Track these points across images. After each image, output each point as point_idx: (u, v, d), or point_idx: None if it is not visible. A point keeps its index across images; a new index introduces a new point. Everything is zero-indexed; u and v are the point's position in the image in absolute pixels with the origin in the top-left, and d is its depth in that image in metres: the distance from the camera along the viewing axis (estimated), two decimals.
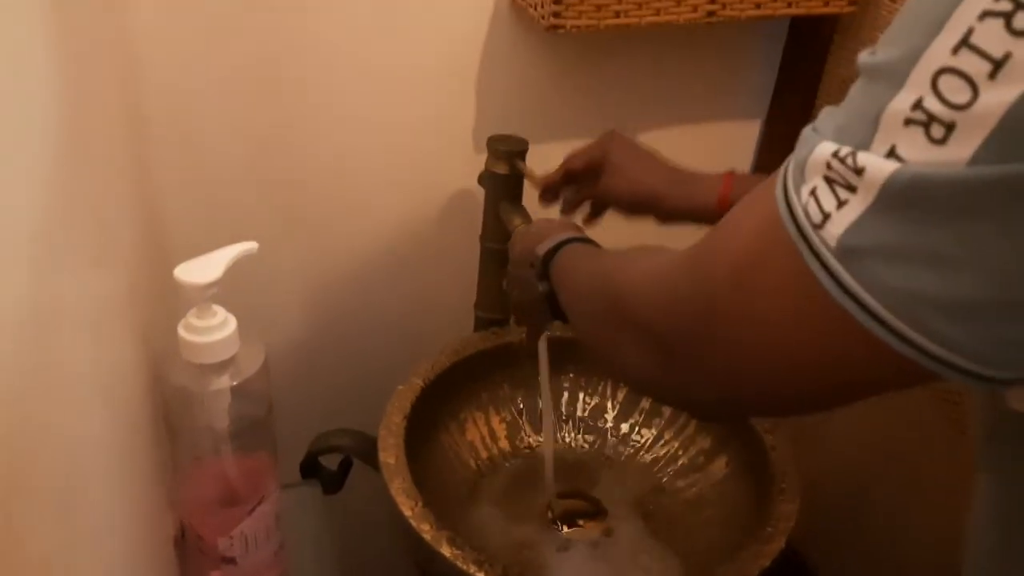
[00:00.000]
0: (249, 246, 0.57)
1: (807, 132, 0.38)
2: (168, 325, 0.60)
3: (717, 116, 1.10)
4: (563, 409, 0.98)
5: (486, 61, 0.96)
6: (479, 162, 0.94)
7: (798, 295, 0.36)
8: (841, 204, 0.33)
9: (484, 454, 0.94)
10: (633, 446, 0.96)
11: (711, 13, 0.88)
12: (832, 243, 0.34)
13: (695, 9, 0.88)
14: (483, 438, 0.94)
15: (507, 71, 0.97)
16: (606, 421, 0.98)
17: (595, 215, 0.90)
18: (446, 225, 1.05)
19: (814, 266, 0.34)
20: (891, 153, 0.32)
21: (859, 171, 0.33)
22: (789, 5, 0.91)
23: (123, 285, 0.58)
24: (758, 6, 0.90)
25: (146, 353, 0.61)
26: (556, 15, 0.84)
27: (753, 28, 1.04)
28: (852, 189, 0.33)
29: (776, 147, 1.12)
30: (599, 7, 0.85)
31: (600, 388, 0.98)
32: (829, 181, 0.34)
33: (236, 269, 0.59)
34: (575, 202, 0.89)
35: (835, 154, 0.34)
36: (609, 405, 0.98)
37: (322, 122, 0.93)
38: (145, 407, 0.60)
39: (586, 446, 0.97)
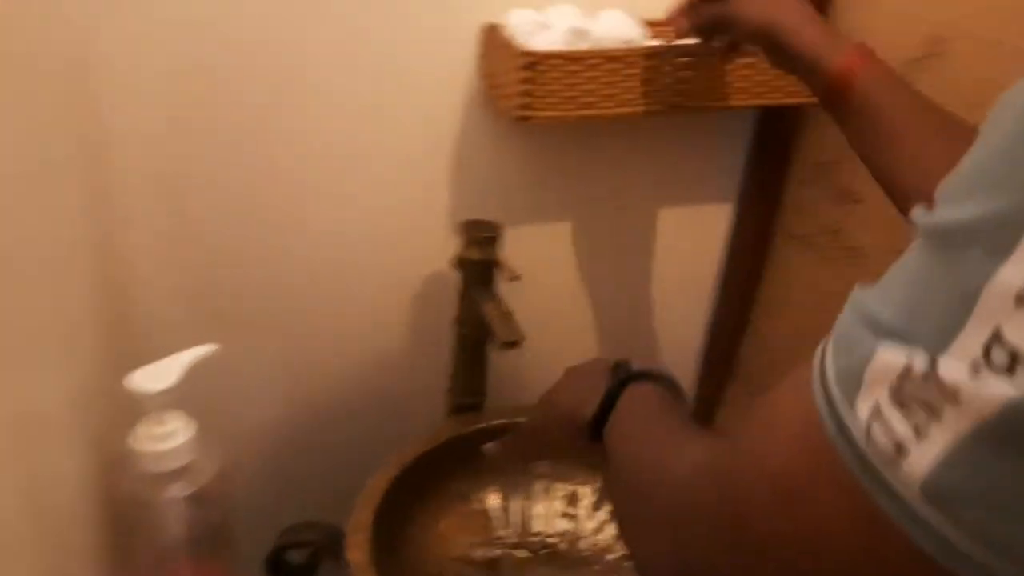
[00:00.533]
0: (207, 349, 0.57)
1: (850, 320, 0.31)
2: (129, 427, 0.59)
3: (688, 199, 1.11)
4: (537, 497, 0.97)
5: (459, 147, 0.97)
6: (453, 245, 0.94)
7: (858, 525, 0.28)
8: (922, 431, 0.26)
9: (457, 549, 0.92)
10: (609, 535, 0.94)
11: (676, 106, 0.90)
12: (914, 484, 0.26)
13: (660, 102, 0.89)
14: (456, 531, 0.92)
15: (480, 157, 0.98)
16: (580, 510, 0.96)
17: (728, 47, 0.85)
18: (420, 309, 1.04)
19: (884, 503, 0.27)
20: (995, 340, 0.24)
21: (948, 391, 0.25)
22: (754, 96, 0.92)
23: (73, 391, 0.57)
24: (723, 98, 0.91)
25: (97, 459, 0.60)
26: (525, 107, 0.85)
27: (721, 114, 1.06)
28: (936, 413, 0.26)
29: (748, 228, 1.13)
30: (567, 99, 0.86)
31: (576, 477, 0.97)
32: (899, 399, 0.27)
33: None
34: (701, 20, 0.81)
35: (907, 367, 0.27)
36: (584, 492, 0.97)
37: (295, 206, 0.93)
38: (86, 517, 0.59)
39: (560, 536, 0.95)
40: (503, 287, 0.92)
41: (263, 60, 0.84)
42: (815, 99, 0.95)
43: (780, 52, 0.74)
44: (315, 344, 1.01)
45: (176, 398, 0.56)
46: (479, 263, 0.92)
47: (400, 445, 0.90)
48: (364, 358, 1.04)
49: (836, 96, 0.70)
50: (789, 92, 0.92)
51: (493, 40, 0.89)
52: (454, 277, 0.95)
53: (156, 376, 0.54)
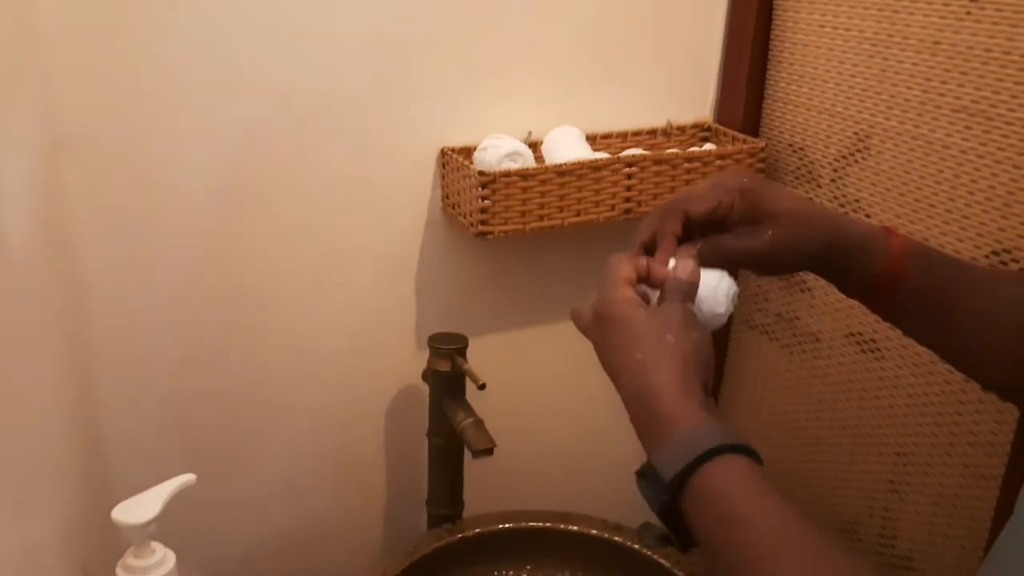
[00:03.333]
0: (187, 479, 0.58)
1: None
2: (114, 559, 0.60)
3: None
4: None
5: (423, 265, 1.01)
6: (422, 358, 0.97)
7: None
8: None
9: None
10: None
11: (628, 211, 0.95)
12: None
13: (612, 208, 0.94)
14: None
15: (443, 271, 1.02)
16: None
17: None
18: (393, 422, 1.06)
19: None
20: None
21: None
22: None
23: (56, 526, 0.58)
24: None
25: None
26: (483, 223, 0.90)
27: None
28: None
29: None
30: (523, 213, 0.91)
31: None
32: None
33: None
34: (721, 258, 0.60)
35: None
36: None
37: (268, 329, 0.96)
38: None
39: None
40: (473, 396, 0.94)
41: (233, 186, 0.88)
42: None
43: (828, 261, 0.62)
44: (291, 460, 1.02)
45: (158, 528, 0.57)
46: (447, 375, 0.95)
47: (381, 560, 0.90)
48: (342, 475, 1.05)
49: (888, 288, 0.61)
50: None
51: (450, 163, 0.94)
52: (425, 389, 0.97)
53: (138, 508, 0.56)
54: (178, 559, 0.60)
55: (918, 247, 0.63)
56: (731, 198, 0.59)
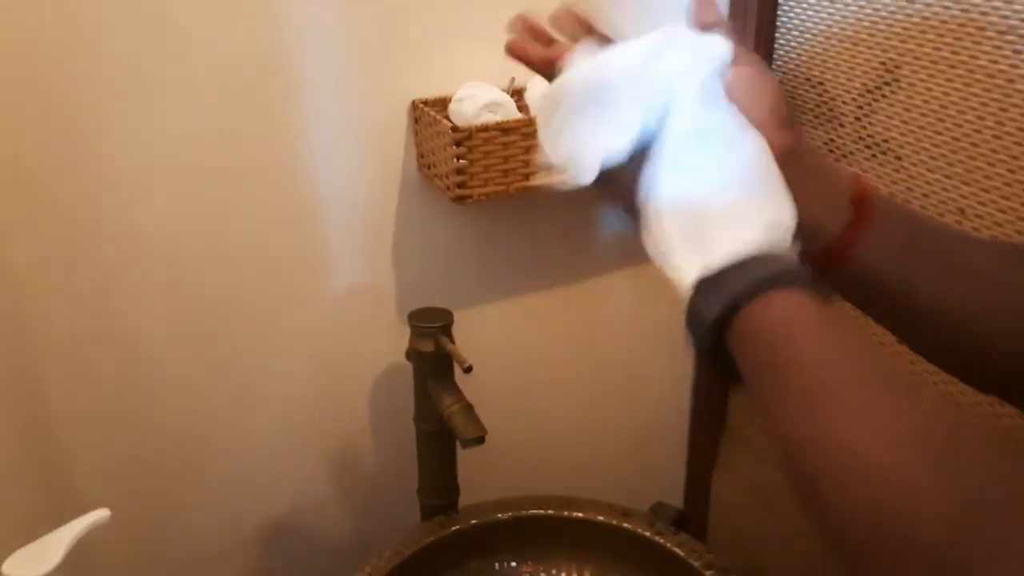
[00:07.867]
0: (98, 516, 0.50)
1: None
2: None
3: (646, 259, 1.05)
4: None
5: (400, 231, 0.91)
6: (406, 334, 0.88)
7: None
8: None
9: None
10: None
11: None
12: None
13: None
14: None
15: (422, 239, 0.92)
16: None
17: None
18: (379, 406, 0.98)
19: None
20: None
21: None
22: None
23: None
24: None
25: None
26: (460, 186, 0.80)
27: None
28: None
29: None
30: (505, 172, 0.80)
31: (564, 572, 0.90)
32: None
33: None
34: None
35: None
36: None
37: (236, 314, 0.87)
38: None
39: None
40: (461, 375, 0.85)
41: (189, 164, 0.79)
42: None
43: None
44: (272, 459, 0.94)
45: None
46: (431, 355, 0.85)
47: (372, 557, 0.83)
48: (326, 467, 0.97)
49: (831, 265, 0.51)
50: None
51: (423, 118, 0.84)
52: (411, 368, 0.89)
53: (37, 556, 0.47)
54: (148, 562, 0.53)
55: (885, 195, 0.52)
56: None
